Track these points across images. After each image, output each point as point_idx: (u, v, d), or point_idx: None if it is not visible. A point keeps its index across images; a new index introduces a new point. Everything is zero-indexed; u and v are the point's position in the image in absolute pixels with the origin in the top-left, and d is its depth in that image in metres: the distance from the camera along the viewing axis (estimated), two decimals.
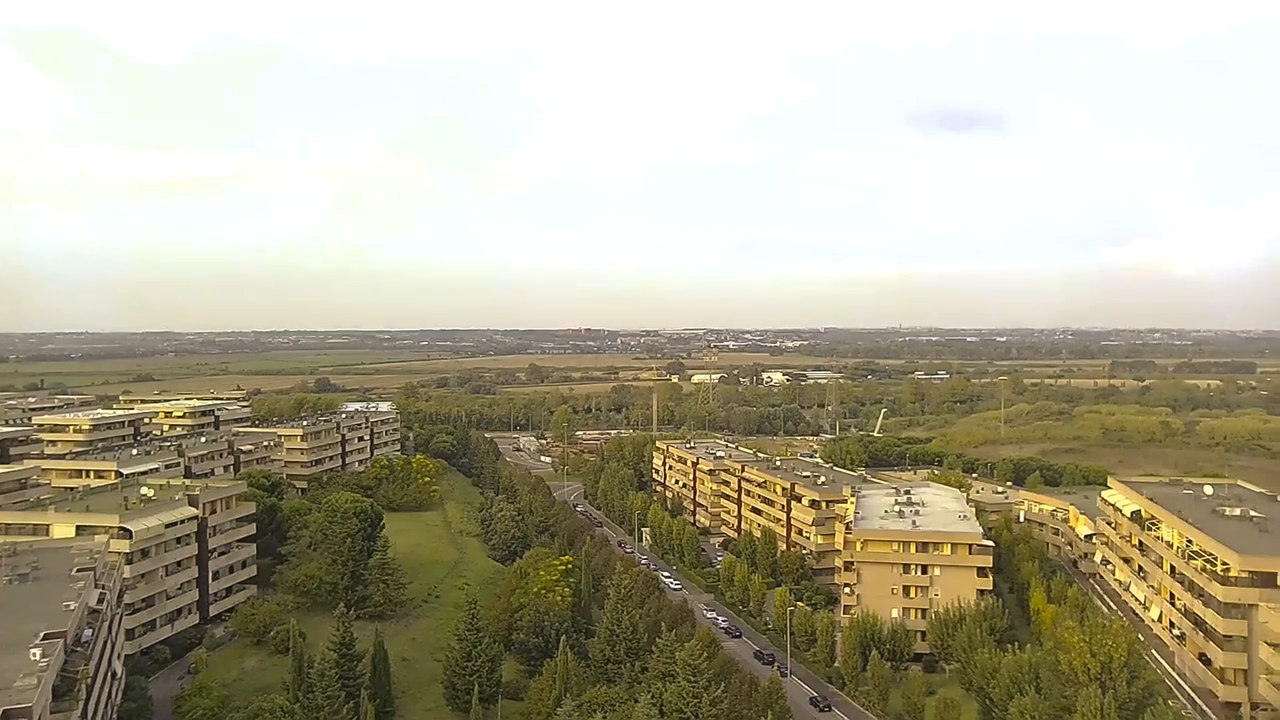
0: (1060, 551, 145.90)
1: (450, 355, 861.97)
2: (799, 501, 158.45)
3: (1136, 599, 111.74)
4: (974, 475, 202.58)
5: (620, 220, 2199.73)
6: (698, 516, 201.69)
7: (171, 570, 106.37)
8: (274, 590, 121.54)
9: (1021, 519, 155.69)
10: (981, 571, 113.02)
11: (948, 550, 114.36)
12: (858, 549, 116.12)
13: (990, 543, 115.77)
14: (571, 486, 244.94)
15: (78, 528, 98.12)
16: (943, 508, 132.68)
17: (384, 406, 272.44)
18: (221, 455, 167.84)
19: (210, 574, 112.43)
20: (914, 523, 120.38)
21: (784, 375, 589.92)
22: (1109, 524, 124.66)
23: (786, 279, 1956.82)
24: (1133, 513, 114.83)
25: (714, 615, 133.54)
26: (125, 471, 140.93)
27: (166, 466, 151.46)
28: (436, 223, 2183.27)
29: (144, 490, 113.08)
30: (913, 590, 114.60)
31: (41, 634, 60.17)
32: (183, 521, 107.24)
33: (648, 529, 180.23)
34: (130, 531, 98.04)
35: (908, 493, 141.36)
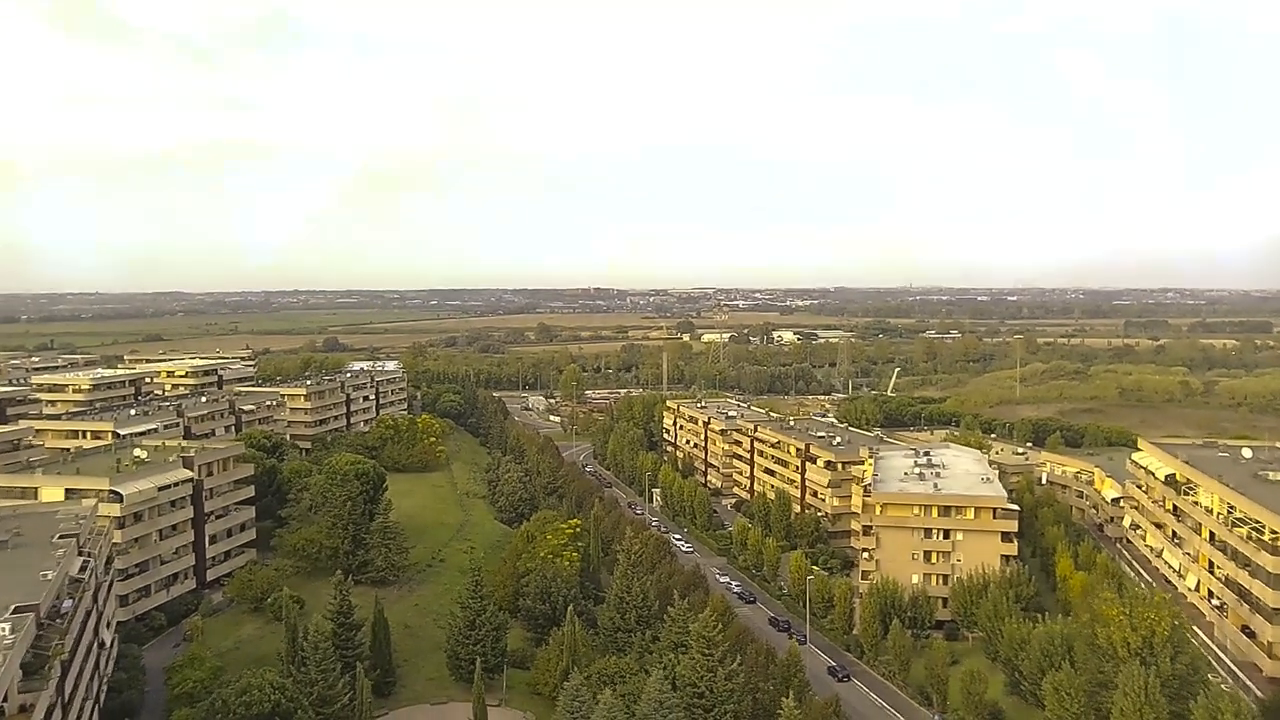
0: (1084, 515, 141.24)
1: (459, 315, 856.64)
2: (814, 463, 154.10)
3: (1170, 566, 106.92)
4: (993, 436, 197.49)
5: (629, 182, 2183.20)
6: (709, 477, 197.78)
7: (166, 534, 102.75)
8: (274, 554, 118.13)
9: (1043, 481, 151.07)
10: (1006, 537, 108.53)
11: (971, 515, 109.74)
12: (877, 512, 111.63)
13: (1015, 507, 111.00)
14: (580, 446, 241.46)
15: (67, 491, 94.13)
16: (964, 470, 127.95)
17: (390, 365, 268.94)
18: (222, 415, 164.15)
19: (207, 538, 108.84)
20: (935, 485, 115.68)
21: (795, 334, 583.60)
22: (1140, 487, 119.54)
23: (796, 238, 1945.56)
24: (1167, 476, 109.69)
25: (727, 580, 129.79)
26: (122, 432, 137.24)
27: (165, 427, 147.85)
28: (447, 185, 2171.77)
29: (137, 452, 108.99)
30: (934, 555, 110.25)
31: (12, 607, 56.23)
32: (177, 484, 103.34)
33: (658, 490, 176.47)
34: (121, 495, 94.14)
35: (927, 454, 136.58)
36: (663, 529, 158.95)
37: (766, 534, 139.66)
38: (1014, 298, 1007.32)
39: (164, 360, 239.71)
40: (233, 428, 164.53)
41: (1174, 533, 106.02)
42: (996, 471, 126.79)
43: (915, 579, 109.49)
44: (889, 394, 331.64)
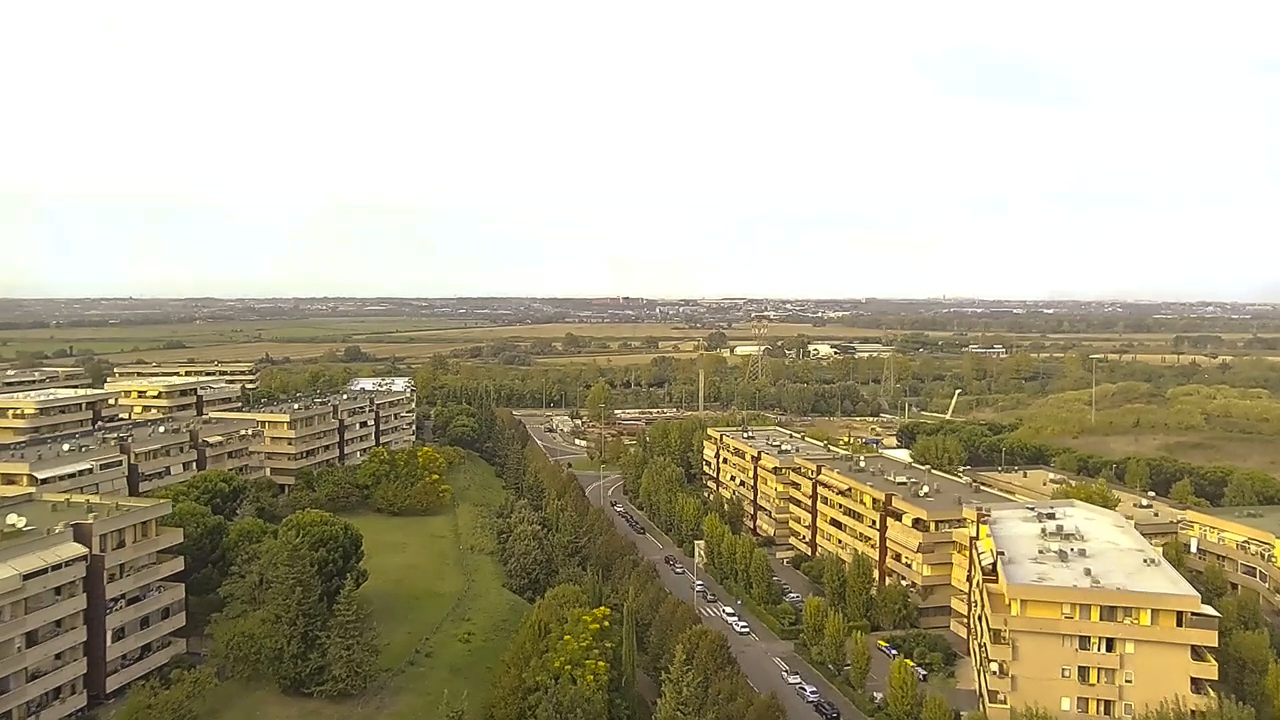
0: (1260, 600, 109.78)
1: (487, 323, 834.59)
2: (898, 519, 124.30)
3: None
4: (1098, 478, 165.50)
5: (657, 187, 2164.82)
6: (759, 523, 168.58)
7: (45, 635, 75.56)
8: (213, 643, 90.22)
9: (1192, 549, 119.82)
10: (1197, 652, 78.46)
11: (1145, 620, 79.73)
12: (1013, 612, 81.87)
13: (1213, 612, 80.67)
14: (609, 478, 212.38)
15: None
16: (1107, 541, 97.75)
17: (398, 384, 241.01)
18: (181, 450, 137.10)
19: (109, 633, 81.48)
20: (1088, 572, 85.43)
21: (831, 348, 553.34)
22: None
23: (826, 246, 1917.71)
24: None
25: (798, 681, 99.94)
26: (41, 476, 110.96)
27: (103, 466, 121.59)
28: (478, 189, 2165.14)
29: (11, 519, 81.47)
30: (1093, 674, 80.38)
31: None
32: (60, 566, 76.04)
33: (701, 541, 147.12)
34: None
35: (1051, 516, 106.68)
36: (709, 596, 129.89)
37: (841, 609, 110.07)
38: (1050, 310, 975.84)
39: (139, 377, 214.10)
40: (195, 463, 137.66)
41: None
42: (1159, 549, 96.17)
43: (1066, 704, 79.88)
44: (949, 418, 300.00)
